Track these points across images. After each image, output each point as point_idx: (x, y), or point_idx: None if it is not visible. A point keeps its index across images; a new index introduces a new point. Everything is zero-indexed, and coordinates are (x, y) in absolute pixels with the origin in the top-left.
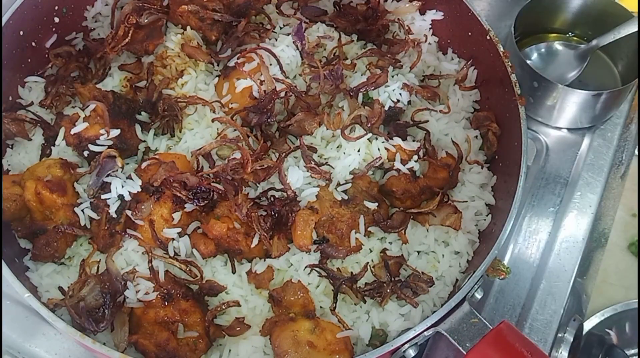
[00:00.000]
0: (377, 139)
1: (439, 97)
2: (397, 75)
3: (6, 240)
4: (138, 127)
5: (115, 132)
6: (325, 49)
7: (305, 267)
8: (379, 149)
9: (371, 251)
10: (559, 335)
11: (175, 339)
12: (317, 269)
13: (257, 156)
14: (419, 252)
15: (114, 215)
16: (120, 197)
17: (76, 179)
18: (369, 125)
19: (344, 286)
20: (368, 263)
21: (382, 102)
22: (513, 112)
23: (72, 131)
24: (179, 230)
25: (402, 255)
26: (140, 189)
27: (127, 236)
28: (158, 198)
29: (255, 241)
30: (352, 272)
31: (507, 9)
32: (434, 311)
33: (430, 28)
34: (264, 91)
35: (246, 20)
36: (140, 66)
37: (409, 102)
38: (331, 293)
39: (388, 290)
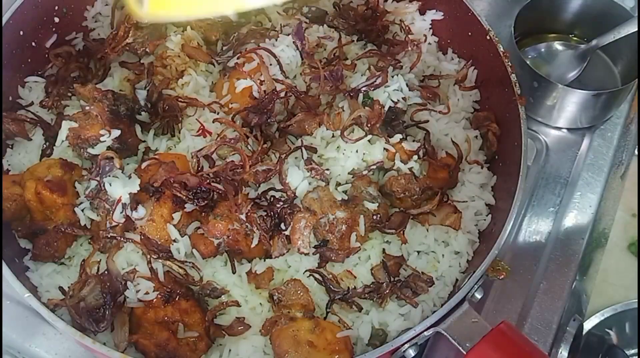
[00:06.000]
0: (377, 139)
1: (439, 97)
2: (397, 75)
3: (6, 240)
4: (138, 128)
5: (115, 133)
6: (325, 50)
7: (305, 271)
8: (378, 149)
9: (371, 250)
10: (559, 335)
11: (175, 339)
12: (315, 275)
13: (257, 158)
14: (418, 252)
15: (114, 215)
16: (120, 197)
17: (76, 179)
18: (369, 125)
19: (337, 300)
20: (366, 274)
21: (382, 103)
22: (513, 112)
23: (72, 132)
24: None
25: (401, 255)
26: (140, 190)
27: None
28: (158, 198)
29: (255, 241)
30: (348, 287)
31: (507, 9)
32: (434, 311)
33: (430, 28)
34: (264, 91)
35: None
36: (140, 66)
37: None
38: None
39: (387, 290)
